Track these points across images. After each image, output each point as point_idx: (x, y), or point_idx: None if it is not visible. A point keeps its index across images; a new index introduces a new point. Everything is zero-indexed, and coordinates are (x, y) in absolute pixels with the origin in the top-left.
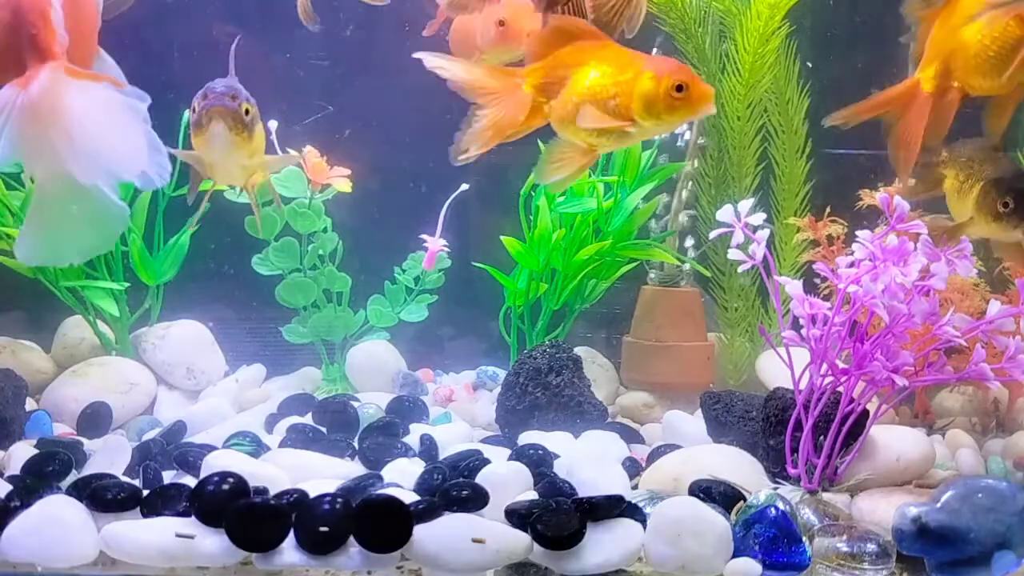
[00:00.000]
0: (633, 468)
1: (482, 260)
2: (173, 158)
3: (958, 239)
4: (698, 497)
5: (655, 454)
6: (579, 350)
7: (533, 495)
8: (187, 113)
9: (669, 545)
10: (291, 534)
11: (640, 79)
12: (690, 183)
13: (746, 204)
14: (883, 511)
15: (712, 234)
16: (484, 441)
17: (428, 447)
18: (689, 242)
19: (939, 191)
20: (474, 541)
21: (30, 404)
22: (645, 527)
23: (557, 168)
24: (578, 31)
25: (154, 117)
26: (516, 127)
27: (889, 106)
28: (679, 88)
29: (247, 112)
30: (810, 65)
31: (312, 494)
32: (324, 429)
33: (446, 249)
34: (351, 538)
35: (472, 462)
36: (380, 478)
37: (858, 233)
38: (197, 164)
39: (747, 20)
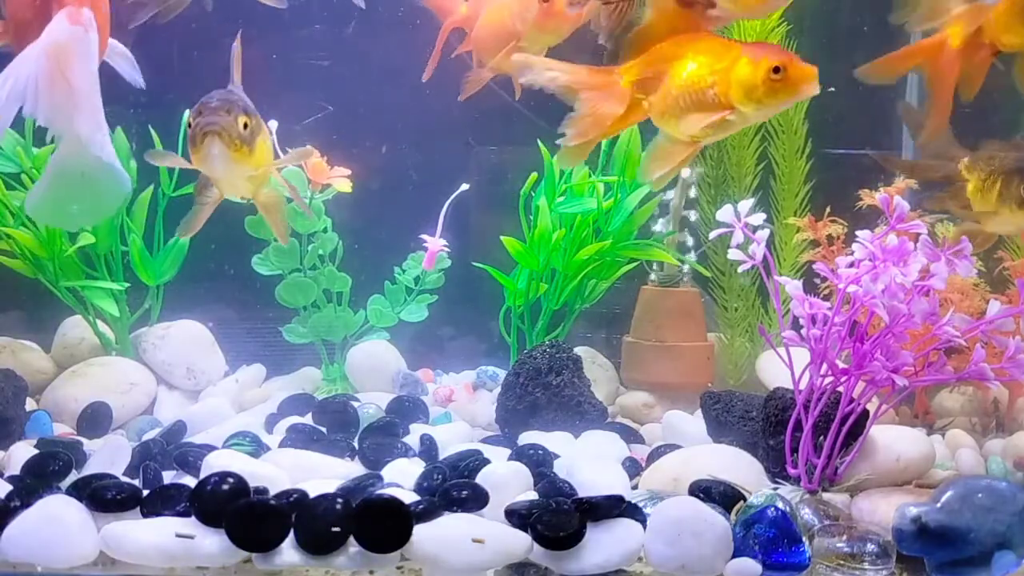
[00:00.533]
0: (633, 468)
1: (482, 260)
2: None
3: (985, 237)
4: (698, 497)
5: (655, 454)
6: (579, 350)
7: (533, 495)
8: (187, 114)
9: (669, 545)
10: (291, 534)
11: (737, 66)
12: (692, 186)
13: (746, 204)
14: (883, 511)
15: (712, 234)
16: (484, 441)
17: (428, 447)
18: (689, 242)
19: (967, 201)
20: (474, 541)
21: (30, 404)
22: (645, 527)
23: (660, 164)
24: (672, 25)
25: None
26: (615, 124)
27: (917, 59)
28: (776, 70)
29: (245, 126)
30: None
31: (312, 494)
32: (324, 429)
33: (446, 249)
34: (351, 538)
35: (472, 462)
36: (380, 478)
37: (858, 233)
38: (206, 185)
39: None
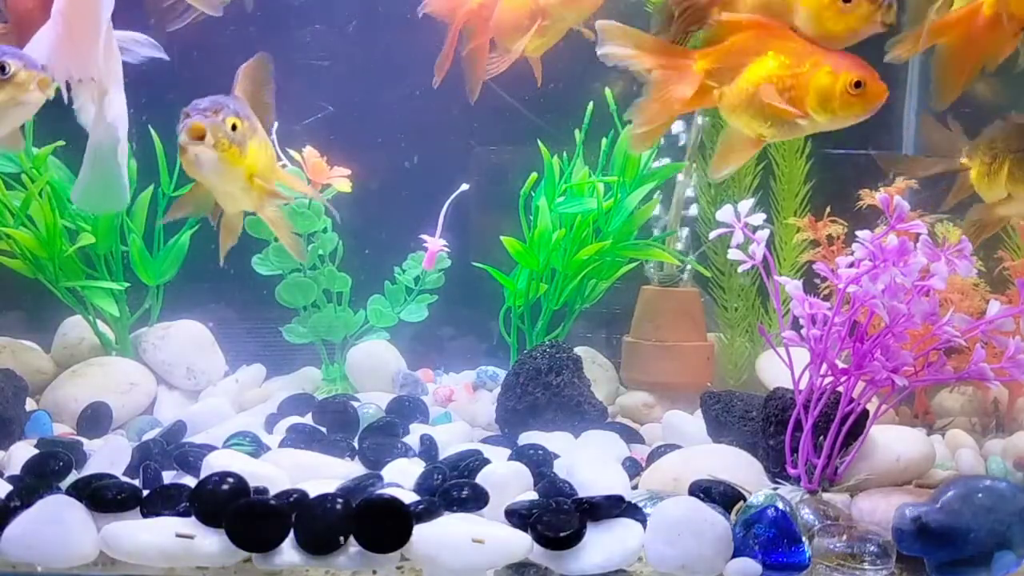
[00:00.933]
0: (633, 468)
1: (482, 260)
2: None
3: (996, 222)
4: (698, 497)
5: (655, 454)
6: (579, 350)
7: (533, 495)
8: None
9: (669, 545)
10: (291, 534)
11: (818, 73)
12: (691, 185)
13: (746, 204)
14: (883, 511)
15: (712, 234)
16: (484, 441)
17: (428, 447)
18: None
19: (971, 190)
20: (474, 541)
21: (30, 404)
22: (645, 527)
23: (727, 159)
24: (758, 20)
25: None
26: (681, 106)
27: (954, 30)
28: (857, 84)
29: (234, 127)
30: None
31: (312, 494)
32: (324, 429)
33: (446, 249)
34: (351, 538)
35: (472, 462)
36: (380, 478)
37: (858, 233)
38: (200, 193)
39: None
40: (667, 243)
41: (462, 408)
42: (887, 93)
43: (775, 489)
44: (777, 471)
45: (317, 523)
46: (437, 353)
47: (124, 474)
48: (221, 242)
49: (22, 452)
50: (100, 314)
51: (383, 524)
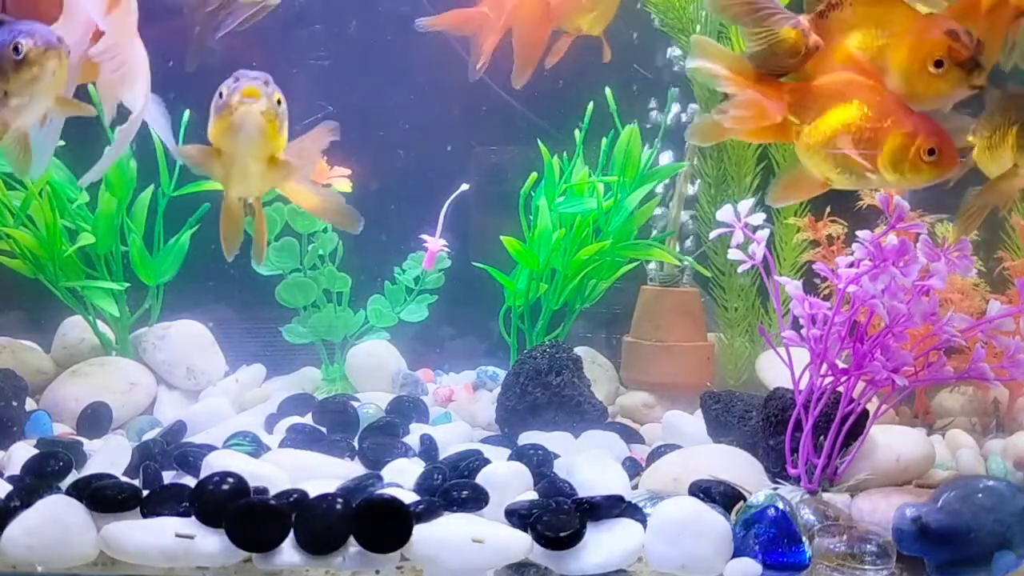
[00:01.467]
0: (633, 468)
1: (482, 260)
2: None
3: (1008, 194)
4: (698, 497)
5: (655, 454)
6: (579, 350)
7: (533, 495)
8: (187, 113)
9: (669, 545)
10: (291, 534)
11: (896, 132)
12: (694, 183)
13: (746, 204)
14: (883, 511)
15: (712, 234)
16: (484, 441)
17: (428, 447)
18: (689, 242)
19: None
20: (474, 541)
21: (30, 404)
22: (645, 527)
23: (789, 193)
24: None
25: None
26: (755, 133)
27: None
28: (931, 152)
29: (279, 102)
30: None
31: (312, 494)
32: (324, 429)
33: (446, 249)
34: (351, 538)
35: (472, 462)
36: (380, 478)
37: (858, 233)
38: (207, 164)
39: None
40: (667, 243)
41: (462, 408)
42: (959, 164)
43: (775, 489)
44: (777, 471)
45: (317, 523)
46: (437, 353)
47: (124, 474)
48: (223, 231)
49: (22, 452)
50: (100, 314)
51: (383, 524)
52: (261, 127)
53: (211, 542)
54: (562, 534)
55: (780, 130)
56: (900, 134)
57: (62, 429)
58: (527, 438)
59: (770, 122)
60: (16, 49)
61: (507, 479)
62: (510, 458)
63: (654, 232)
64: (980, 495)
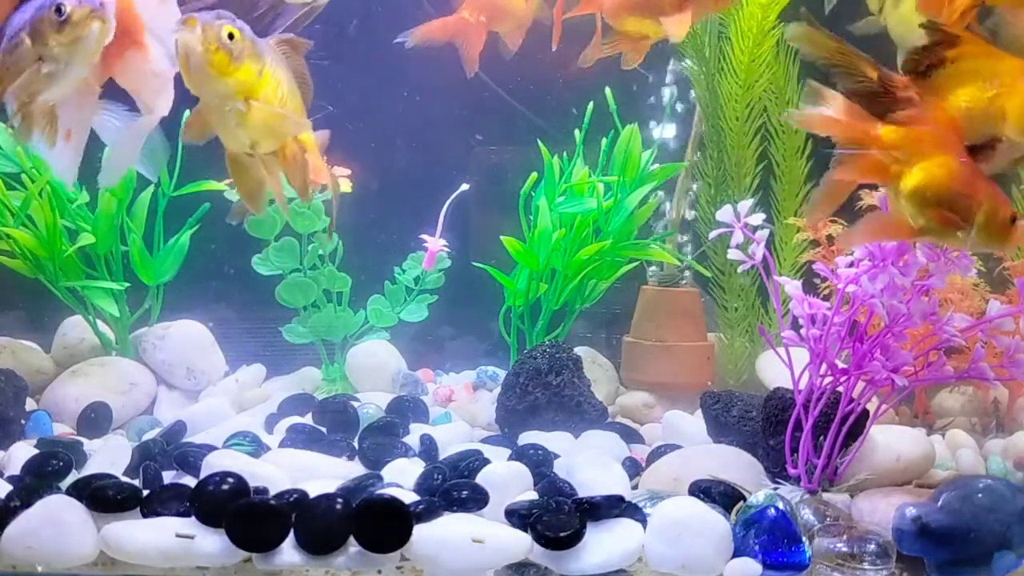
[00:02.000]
0: (633, 468)
1: (482, 260)
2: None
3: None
4: (698, 497)
5: (655, 454)
6: (579, 350)
7: (533, 495)
8: (187, 113)
9: (669, 545)
10: (291, 534)
11: (991, 197)
12: (694, 185)
13: (746, 204)
14: (883, 511)
15: (712, 234)
16: (484, 441)
17: (428, 447)
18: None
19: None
20: (474, 541)
21: (30, 404)
22: (645, 527)
23: (872, 232)
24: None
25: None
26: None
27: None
28: (1014, 220)
29: (231, 36)
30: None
31: (312, 494)
32: (324, 429)
33: (446, 249)
34: (351, 538)
35: (472, 462)
36: (380, 478)
37: None
38: (198, 119)
39: (741, 20)
40: (667, 242)
41: (462, 408)
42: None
43: (775, 489)
44: (777, 471)
45: (317, 523)
46: (437, 353)
47: (124, 474)
48: (238, 188)
49: (22, 452)
50: (100, 314)
51: (383, 524)
52: (199, 58)
53: (211, 542)
54: (562, 534)
55: (877, 169)
56: (995, 198)
57: (62, 429)
58: (527, 438)
59: (866, 179)
60: (59, 10)
61: (507, 479)
62: (510, 458)
63: (660, 229)
64: (980, 495)
